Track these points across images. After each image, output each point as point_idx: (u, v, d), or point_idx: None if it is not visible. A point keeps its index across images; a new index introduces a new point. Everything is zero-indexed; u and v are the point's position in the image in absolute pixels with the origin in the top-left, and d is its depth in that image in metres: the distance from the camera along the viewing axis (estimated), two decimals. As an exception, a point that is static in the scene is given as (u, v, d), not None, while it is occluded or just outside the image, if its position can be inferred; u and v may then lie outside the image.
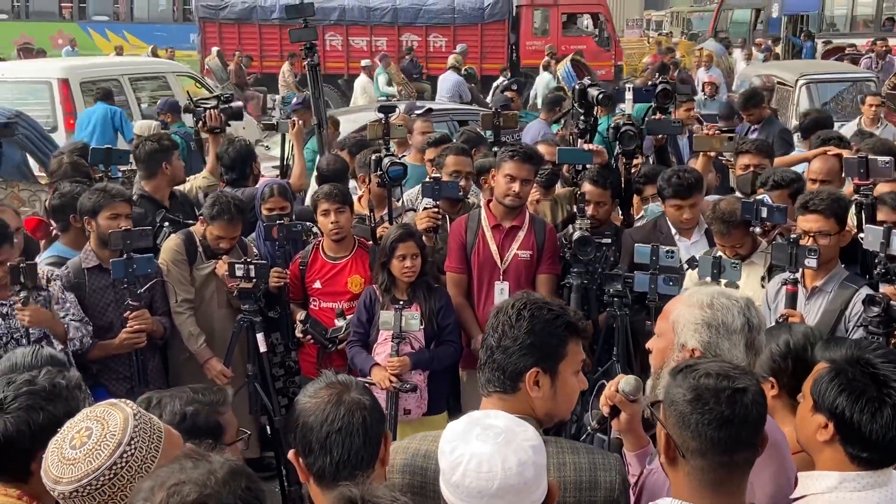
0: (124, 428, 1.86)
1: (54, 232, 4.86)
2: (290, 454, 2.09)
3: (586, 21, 21.81)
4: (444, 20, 20.46)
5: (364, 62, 17.21)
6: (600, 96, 5.35)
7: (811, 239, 3.76)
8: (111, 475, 1.80)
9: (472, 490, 1.74)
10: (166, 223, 4.96)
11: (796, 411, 2.27)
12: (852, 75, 11.63)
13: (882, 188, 4.30)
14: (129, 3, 24.19)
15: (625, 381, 2.38)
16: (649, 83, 6.23)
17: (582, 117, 5.47)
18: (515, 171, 4.41)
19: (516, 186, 4.41)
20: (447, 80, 14.58)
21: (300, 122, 6.67)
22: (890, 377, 2.07)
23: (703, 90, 13.00)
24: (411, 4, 20.38)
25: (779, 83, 11.01)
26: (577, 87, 5.80)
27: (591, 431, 2.56)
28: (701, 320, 2.40)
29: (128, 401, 1.98)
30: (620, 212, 5.34)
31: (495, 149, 5.09)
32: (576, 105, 5.58)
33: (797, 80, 10.68)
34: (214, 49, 18.61)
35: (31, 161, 7.24)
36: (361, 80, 16.30)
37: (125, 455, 1.83)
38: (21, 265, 3.79)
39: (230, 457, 1.67)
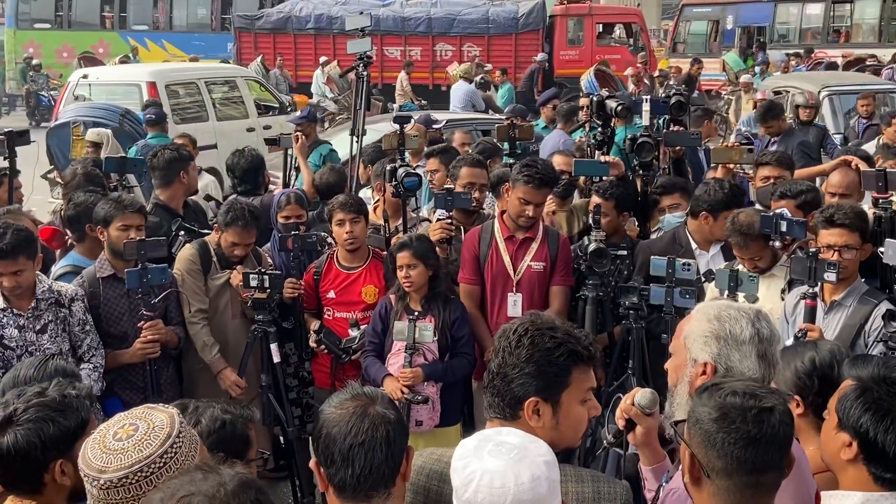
0: (171, 423, 1.90)
1: (69, 242, 4.88)
2: (312, 463, 2.08)
3: (618, 31, 21.79)
4: (479, 30, 20.54)
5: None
6: (619, 108, 5.33)
7: (836, 253, 3.70)
8: (161, 464, 1.82)
9: None
10: (181, 232, 4.96)
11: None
12: (874, 87, 11.44)
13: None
14: (168, 13, 24.66)
15: (640, 395, 2.35)
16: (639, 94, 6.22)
17: (599, 129, 5.46)
18: (530, 196, 4.39)
19: (530, 211, 4.40)
20: (458, 90, 14.59)
21: (303, 136, 6.71)
22: None
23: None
24: (446, 14, 20.50)
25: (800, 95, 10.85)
26: (594, 98, 5.78)
27: (607, 446, 2.53)
28: (709, 333, 2.37)
29: (164, 405, 2.02)
30: (636, 224, 5.31)
31: (510, 160, 5.07)
32: (593, 117, 5.56)
33: (819, 92, 10.46)
34: (258, 58, 18.67)
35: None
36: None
37: (175, 446, 1.86)
38: None
39: (241, 470, 1.66)
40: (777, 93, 11.27)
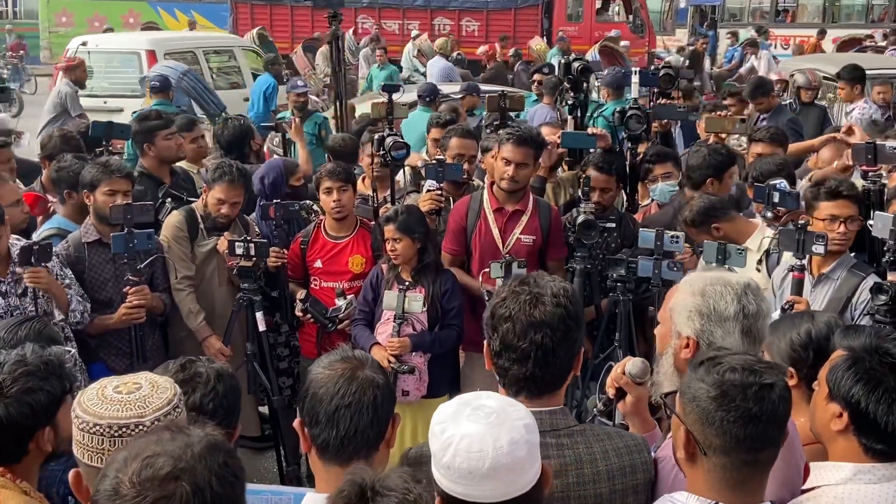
0: (173, 387, 1.90)
1: (52, 209, 4.82)
2: (296, 423, 2.07)
3: (618, 7, 21.67)
4: (478, 4, 20.37)
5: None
6: (580, 67, 5.31)
7: (842, 224, 3.71)
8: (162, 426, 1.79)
9: (464, 470, 1.69)
10: (168, 199, 4.91)
11: None
12: None
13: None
14: (198, -18, 24.43)
15: (632, 364, 2.34)
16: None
17: (571, 93, 5.43)
18: (511, 154, 4.34)
19: (511, 170, 4.35)
20: (434, 66, 14.46)
21: (297, 119, 6.68)
22: None
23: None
24: None
25: (824, 78, 10.17)
26: (562, 62, 5.77)
27: (596, 414, 2.53)
28: (693, 307, 2.33)
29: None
30: (625, 197, 5.31)
31: (500, 131, 5.03)
32: (564, 82, 5.53)
33: (839, 73, 9.73)
34: (256, 29, 18.09)
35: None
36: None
37: (177, 409, 1.86)
38: (35, 246, 3.76)
39: (211, 431, 1.62)
40: (793, 75, 10.96)
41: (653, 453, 2.30)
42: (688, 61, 15.32)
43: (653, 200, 5.13)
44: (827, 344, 2.52)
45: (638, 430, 2.39)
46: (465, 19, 20.39)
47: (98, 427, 1.80)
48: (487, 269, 4.14)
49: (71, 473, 1.86)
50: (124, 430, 1.79)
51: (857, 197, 3.78)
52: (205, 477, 1.50)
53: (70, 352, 2.51)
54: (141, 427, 1.79)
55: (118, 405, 1.82)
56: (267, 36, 17.42)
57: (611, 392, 2.38)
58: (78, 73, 9.68)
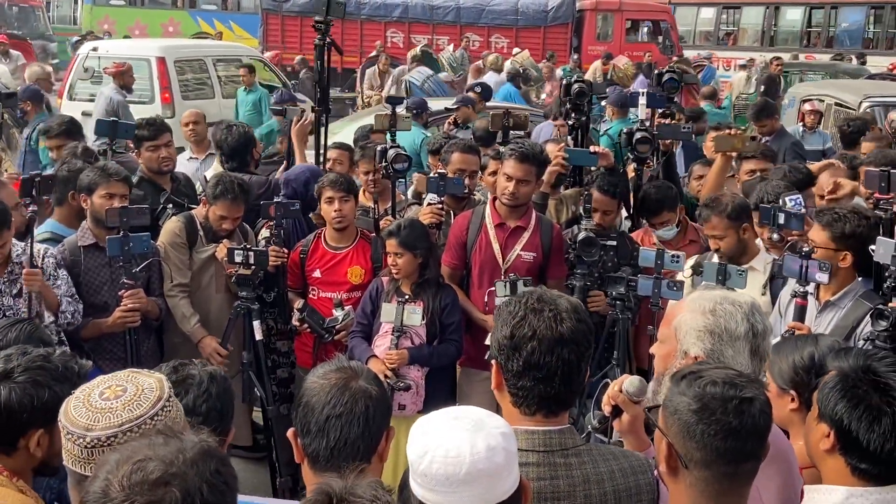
0: (161, 388, 1.85)
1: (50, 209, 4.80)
2: (290, 432, 2.05)
3: (645, 28, 21.76)
4: (508, 21, 20.42)
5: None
6: (577, 90, 5.31)
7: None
8: (152, 425, 1.77)
9: (440, 477, 1.67)
10: (169, 205, 4.90)
11: None
12: None
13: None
14: (237, -6, 24.73)
15: (629, 382, 2.31)
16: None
17: (573, 114, 5.42)
18: (512, 170, 4.32)
19: (511, 186, 4.33)
20: (490, 82, 14.57)
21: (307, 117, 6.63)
22: (894, 386, 2.00)
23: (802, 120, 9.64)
24: (475, 4, 20.33)
25: (837, 105, 10.17)
26: (564, 82, 5.76)
27: (591, 432, 2.49)
28: (703, 327, 2.32)
29: (149, 370, 1.97)
30: (627, 216, 5.29)
31: (503, 148, 5.02)
32: (566, 102, 5.52)
33: (860, 103, 9.86)
34: (419, 47, 17.94)
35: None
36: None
37: (165, 409, 1.81)
38: (36, 178, 3.82)
39: (206, 437, 1.59)
40: (808, 100, 10.53)
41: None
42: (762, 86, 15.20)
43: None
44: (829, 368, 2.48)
45: (633, 448, 2.36)
46: (494, 35, 20.42)
47: (86, 439, 1.77)
48: (493, 289, 4.11)
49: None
50: (112, 439, 1.76)
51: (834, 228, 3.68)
52: (195, 483, 1.47)
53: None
54: (130, 434, 1.76)
55: (107, 413, 1.78)
56: (430, 53, 17.45)
57: (607, 410, 2.34)
58: (126, 79, 9.70)
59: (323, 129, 5.62)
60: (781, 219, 4.00)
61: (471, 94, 9.20)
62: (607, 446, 2.27)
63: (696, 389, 1.86)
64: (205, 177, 5.63)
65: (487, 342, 4.20)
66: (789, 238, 4.29)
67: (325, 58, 5.46)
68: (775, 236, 4.20)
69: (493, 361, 2.14)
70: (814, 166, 5.98)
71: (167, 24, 23.56)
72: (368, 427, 1.97)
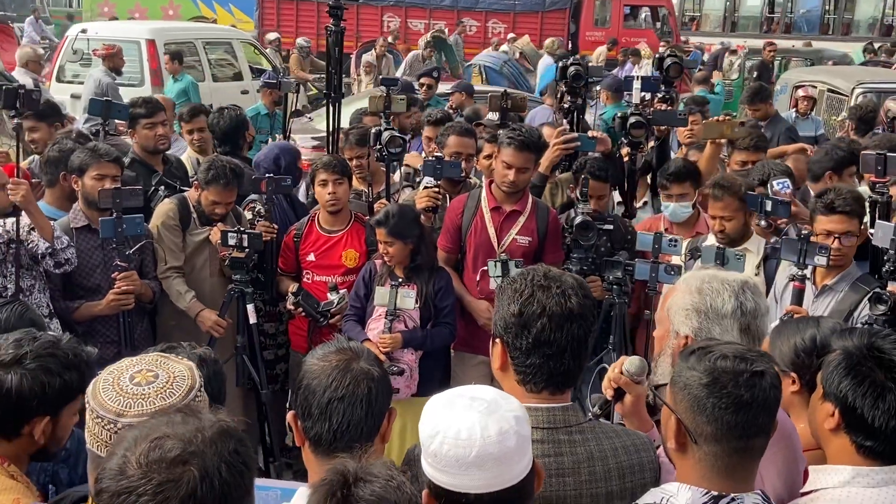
0: (192, 376, 1.84)
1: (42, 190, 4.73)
2: (289, 416, 2.02)
3: (644, 14, 21.71)
4: (505, 6, 20.34)
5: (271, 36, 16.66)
6: (573, 73, 5.27)
7: (836, 240, 3.68)
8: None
9: (450, 458, 1.66)
10: (161, 187, 4.84)
11: None
12: None
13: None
14: (237, -23, 24.32)
15: (629, 362, 2.29)
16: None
17: (568, 97, 5.38)
18: (512, 158, 4.30)
19: (511, 175, 4.30)
20: (543, 65, 14.59)
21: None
22: None
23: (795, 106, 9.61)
24: None
25: (830, 91, 10.18)
26: (560, 64, 5.72)
27: (592, 416, 2.48)
28: (690, 306, 2.32)
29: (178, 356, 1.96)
30: (622, 201, 5.27)
31: (501, 131, 4.98)
32: (561, 85, 5.48)
33: (853, 89, 9.82)
34: (431, 32, 17.64)
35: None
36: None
37: (198, 398, 1.80)
38: (20, 89, 3.85)
39: (224, 417, 1.56)
40: (801, 87, 10.46)
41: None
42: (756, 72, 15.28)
43: (658, 213, 5.04)
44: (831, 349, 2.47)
45: (636, 429, 2.35)
46: (491, 21, 20.39)
47: (117, 425, 1.74)
48: (485, 268, 4.09)
49: None
50: None
51: (854, 211, 3.73)
52: (214, 463, 1.45)
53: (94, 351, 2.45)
54: None
55: (139, 400, 1.75)
56: (444, 38, 17.29)
57: (609, 393, 2.33)
58: (115, 61, 9.60)
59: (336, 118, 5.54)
60: (769, 206, 3.99)
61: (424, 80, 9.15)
62: (610, 424, 2.26)
63: (706, 364, 1.85)
64: (197, 160, 5.58)
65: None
66: (779, 224, 4.31)
67: (340, 44, 5.37)
68: (763, 223, 4.20)
69: (496, 341, 2.12)
70: (790, 147, 6.01)
71: (167, 7, 23.15)
72: (371, 409, 1.94)
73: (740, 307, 2.29)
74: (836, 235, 3.71)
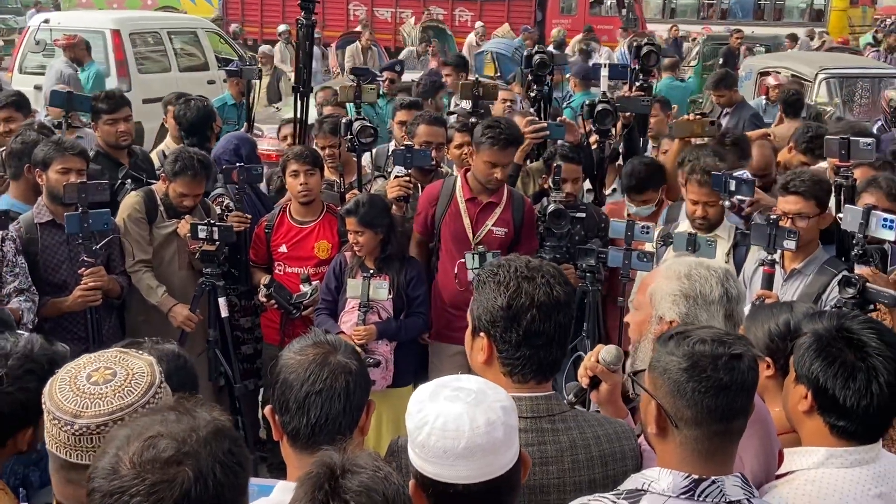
0: (152, 372, 1.78)
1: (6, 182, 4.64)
2: (266, 410, 2.00)
3: (610, 1, 21.79)
4: None
5: (281, 28, 16.55)
6: (538, 61, 5.27)
7: (790, 220, 3.72)
8: (144, 413, 1.67)
9: (438, 450, 1.66)
10: (128, 180, 4.76)
11: None
12: (875, 71, 10.82)
13: (858, 173, 4.27)
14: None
15: (605, 351, 2.30)
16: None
17: (535, 85, 5.37)
18: (496, 158, 4.27)
19: (498, 173, 4.30)
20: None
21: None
22: (867, 342, 2.02)
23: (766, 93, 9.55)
24: None
25: (794, 76, 10.11)
26: (525, 53, 5.70)
27: (567, 405, 2.48)
28: (679, 291, 2.33)
29: (138, 351, 1.90)
30: (592, 188, 5.28)
31: (472, 119, 4.96)
32: (528, 74, 5.47)
33: (816, 74, 9.95)
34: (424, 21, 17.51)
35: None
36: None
37: (157, 395, 1.74)
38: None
39: (218, 416, 1.53)
40: (765, 73, 10.65)
41: None
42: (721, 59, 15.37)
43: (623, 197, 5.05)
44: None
45: (612, 417, 2.35)
46: (458, 9, 20.41)
47: (74, 426, 1.69)
48: (462, 261, 4.09)
49: None
50: (102, 427, 1.68)
51: (809, 192, 3.75)
52: (208, 463, 1.42)
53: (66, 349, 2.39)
54: (121, 422, 1.67)
55: (96, 399, 1.70)
56: (441, 27, 17.15)
57: (584, 381, 2.33)
58: (77, 52, 9.39)
59: (302, 112, 5.47)
60: (732, 185, 4.03)
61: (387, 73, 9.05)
62: (592, 413, 2.26)
63: (685, 348, 1.85)
64: (163, 152, 5.50)
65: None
66: (743, 207, 4.35)
67: (311, 37, 5.29)
68: (727, 203, 4.23)
69: (480, 335, 2.11)
70: (753, 133, 6.05)
71: None
72: (349, 402, 1.93)
73: (726, 294, 2.32)
74: (790, 216, 3.75)
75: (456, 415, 1.66)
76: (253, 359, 4.90)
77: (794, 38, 17.70)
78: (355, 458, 1.56)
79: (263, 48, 13.66)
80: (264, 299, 4.50)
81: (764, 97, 9.09)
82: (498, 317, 2.05)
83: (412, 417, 1.71)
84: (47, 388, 1.76)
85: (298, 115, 5.48)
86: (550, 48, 14.26)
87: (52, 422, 1.72)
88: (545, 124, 4.96)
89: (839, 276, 3.58)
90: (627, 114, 5.36)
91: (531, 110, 5.50)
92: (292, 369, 1.94)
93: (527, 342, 2.05)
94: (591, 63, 12.94)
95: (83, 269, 3.99)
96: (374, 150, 5.18)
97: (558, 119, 5.25)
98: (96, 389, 1.71)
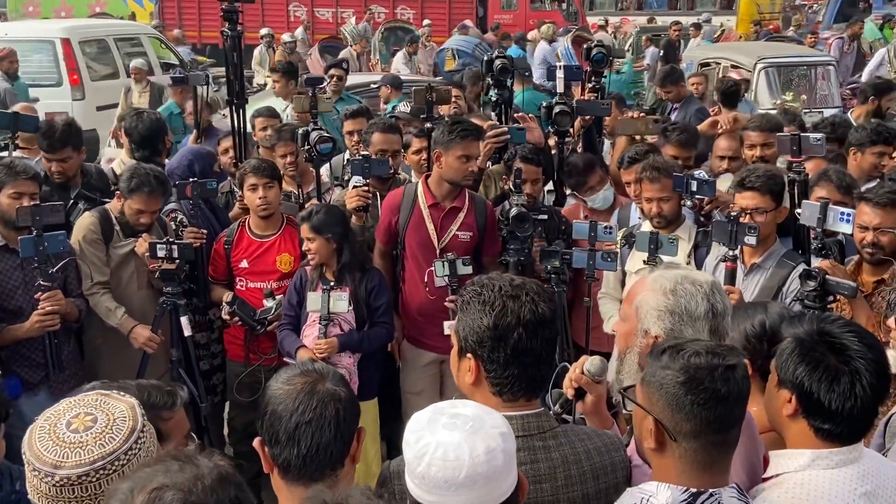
0: (133, 416, 1.73)
1: None
2: (256, 442, 1.96)
3: None
4: None
5: (263, 31, 16.37)
6: (500, 66, 5.30)
7: (748, 216, 3.79)
8: (126, 460, 1.66)
9: (439, 480, 1.63)
10: (81, 201, 4.62)
11: None
12: (812, 59, 11.07)
13: (809, 165, 4.37)
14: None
15: (590, 362, 2.31)
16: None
17: (495, 90, 5.39)
18: (470, 150, 4.30)
19: (474, 165, 4.34)
20: (541, 51, 14.54)
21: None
22: (848, 346, 2.06)
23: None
24: None
25: (733, 67, 10.38)
26: (485, 58, 5.72)
27: (552, 415, 2.49)
28: (664, 307, 2.32)
29: (120, 392, 1.85)
30: (553, 190, 5.31)
31: (428, 124, 4.94)
32: (488, 78, 5.49)
33: (755, 64, 10.12)
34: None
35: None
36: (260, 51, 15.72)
37: (140, 441, 1.70)
38: None
39: (220, 461, 1.50)
40: (706, 64, 10.92)
41: None
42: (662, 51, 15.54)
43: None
44: (780, 335, 2.53)
45: (597, 427, 2.36)
46: (399, 7, 20.24)
47: (54, 478, 1.64)
48: (432, 269, 4.08)
49: None
50: (84, 477, 1.64)
51: (766, 187, 3.83)
52: None
53: None
54: (103, 471, 1.65)
55: (77, 449, 1.65)
56: (406, 26, 16.74)
57: (569, 393, 2.34)
58: (8, 65, 9.11)
59: (239, 124, 5.36)
60: (694, 186, 4.10)
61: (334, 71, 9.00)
62: (580, 427, 2.27)
63: (681, 362, 1.87)
64: (112, 170, 5.37)
65: (447, 331, 4.16)
66: (704, 206, 4.43)
67: (239, 48, 5.18)
68: (689, 203, 4.30)
69: (467, 356, 2.09)
70: (702, 124, 6.16)
71: (94, 4, 22.05)
72: (340, 431, 1.90)
73: (712, 309, 2.31)
74: (748, 211, 3.82)
75: (455, 444, 1.64)
76: (209, 374, 4.81)
77: (697, 27, 18.05)
78: (347, 497, 1.52)
79: None
80: (227, 316, 4.42)
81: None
82: (485, 337, 2.04)
83: (410, 447, 1.68)
84: (27, 438, 1.71)
85: (236, 127, 5.39)
86: (543, 43, 14.48)
87: (32, 472, 1.67)
88: (505, 128, 4.98)
89: (799, 269, 3.68)
90: (586, 117, 5.41)
91: (492, 114, 5.52)
92: (280, 400, 1.91)
93: (515, 361, 2.04)
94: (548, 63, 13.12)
95: (40, 293, 3.87)
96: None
97: (516, 116, 5.26)
98: (76, 438, 1.67)
